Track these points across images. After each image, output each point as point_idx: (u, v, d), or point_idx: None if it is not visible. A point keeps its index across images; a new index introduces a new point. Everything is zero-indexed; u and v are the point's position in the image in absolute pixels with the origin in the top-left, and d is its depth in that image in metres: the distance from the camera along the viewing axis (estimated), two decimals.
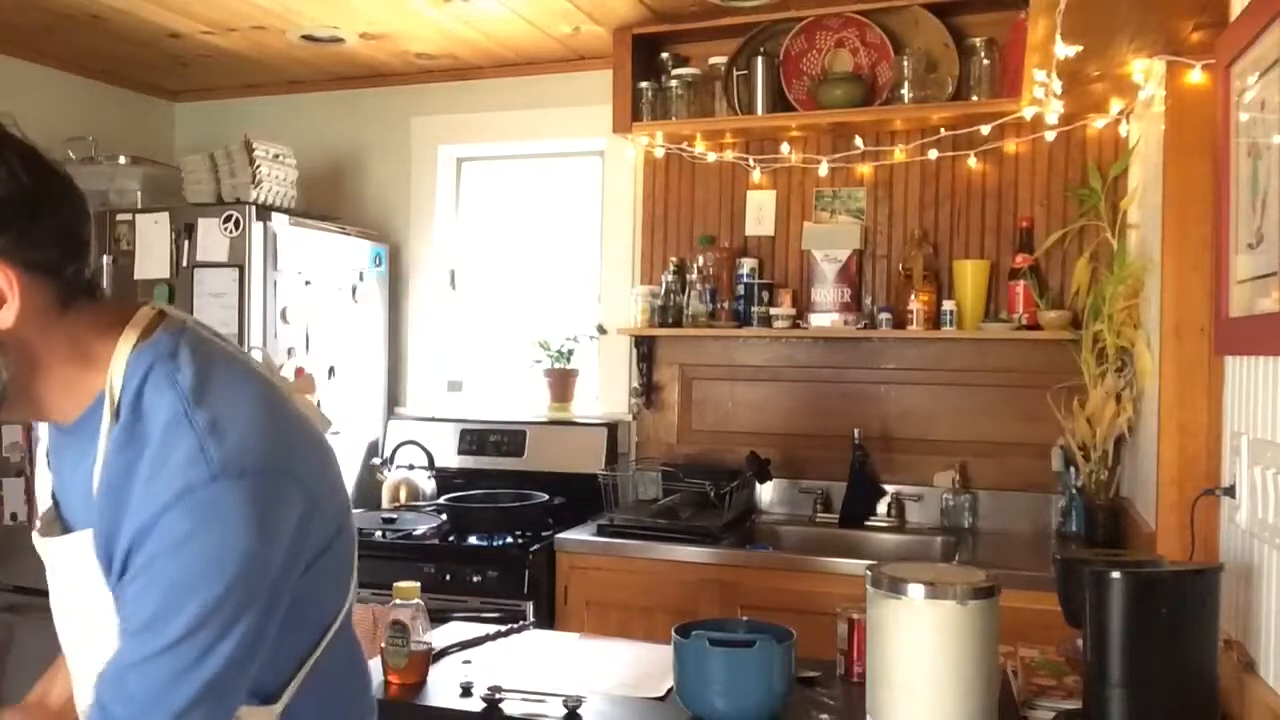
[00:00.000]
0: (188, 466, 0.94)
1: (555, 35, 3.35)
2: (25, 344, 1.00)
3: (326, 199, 3.81)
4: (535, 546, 2.91)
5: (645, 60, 3.32)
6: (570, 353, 3.60)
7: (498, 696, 1.68)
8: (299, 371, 3.30)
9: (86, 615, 1.04)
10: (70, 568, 1.05)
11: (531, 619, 2.72)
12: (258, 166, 3.25)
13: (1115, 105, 2.80)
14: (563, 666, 1.89)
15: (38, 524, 1.14)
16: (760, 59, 3.18)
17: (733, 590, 2.74)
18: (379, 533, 3.06)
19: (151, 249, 3.25)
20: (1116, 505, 2.78)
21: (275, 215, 3.24)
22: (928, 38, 3.09)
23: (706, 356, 3.44)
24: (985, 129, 2.97)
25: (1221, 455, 1.65)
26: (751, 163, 3.31)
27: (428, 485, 3.47)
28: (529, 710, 1.65)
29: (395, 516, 3.22)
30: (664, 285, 3.36)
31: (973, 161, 3.12)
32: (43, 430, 1.22)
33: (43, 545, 1.11)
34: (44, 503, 1.16)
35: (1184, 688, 1.41)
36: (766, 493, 3.32)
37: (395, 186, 3.87)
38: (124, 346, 1.03)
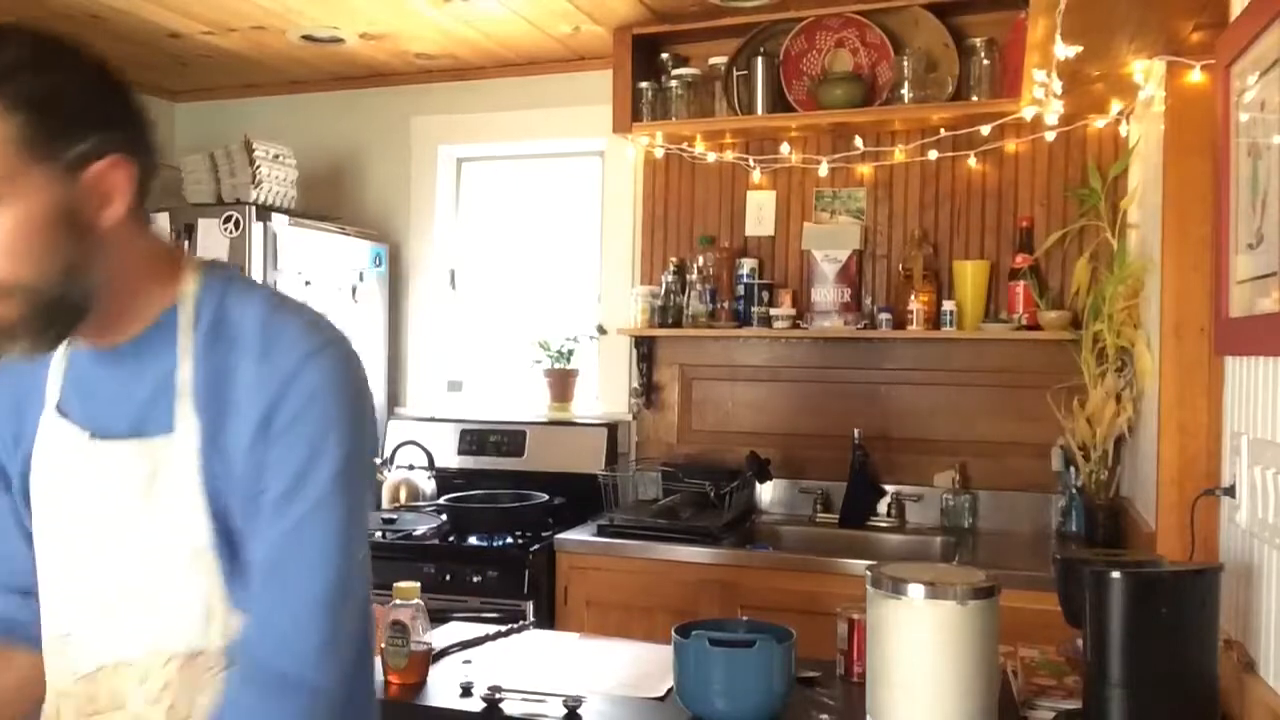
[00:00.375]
0: (301, 338, 1.03)
1: (555, 35, 3.35)
2: (117, 247, 1.01)
3: (326, 199, 3.81)
4: (535, 547, 2.91)
5: (645, 60, 3.32)
6: (570, 353, 3.60)
7: (498, 696, 1.68)
8: None
9: (130, 527, 1.03)
10: (135, 472, 1.03)
11: (531, 619, 2.72)
12: (258, 166, 3.25)
13: (1115, 105, 2.80)
14: (563, 666, 1.89)
15: (58, 442, 1.08)
16: (760, 59, 3.17)
17: (733, 590, 2.74)
18: (379, 533, 3.06)
19: None
20: (1116, 505, 2.78)
21: (275, 215, 3.24)
22: (928, 38, 3.09)
23: (706, 356, 3.44)
24: (985, 129, 2.97)
25: (1221, 455, 1.65)
26: (751, 163, 3.31)
27: (428, 485, 3.47)
28: (529, 710, 1.65)
29: (395, 517, 3.22)
30: (664, 285, 3.36)
31: (973, 161, 3.12)
32: None
33: (109, 449, 1.05)
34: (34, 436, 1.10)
35: (1184, 688, 1.41)
36: (766, 493, 3.32)
37: (395, 186, 3.87)
38: (195, 271, 1.09)
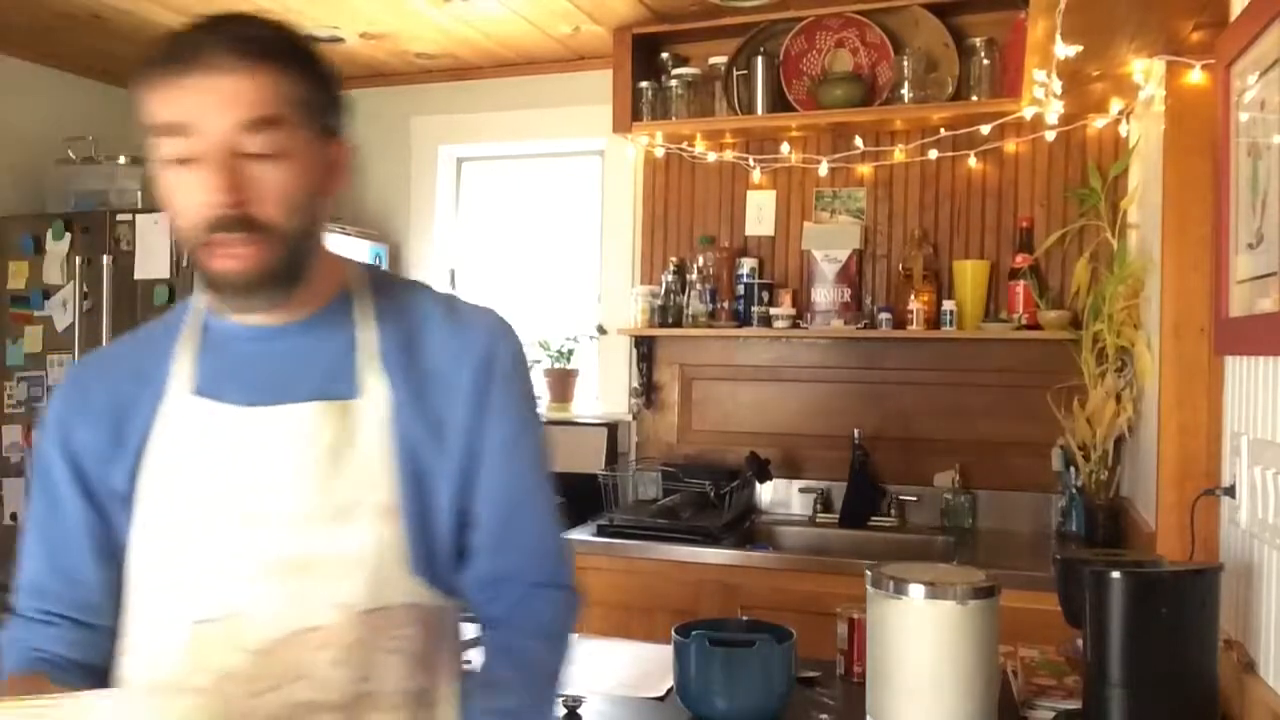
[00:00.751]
0: (485, 316, 1.17)
1: (555, 35, 3.35)
2: (324, 223, 1.11)
3: None
4: None
5: (645, 60, 3.32)
6: (570, 353, 3.60)
7: None
8: None
9: (312, 490, 1.05)
10: (318, 435, 1.06)
11: None
12: None
13: (1115, 105, 2.80)
14: None
15: (214, 411, 1.08)
16: (760, 59, 3.18)
17: (733, 590, 2.74)
18: None
19: (152, 249, 3.25)
20: (1116, 505, 2.78)
21: None
22: (928, 38, 3.09)
23: (706, 356, 3.44)
24: (985, 129, 2.97)
25: (1221, 455, 1.65)
26: (751, 163, 3.31)
27: None
28: None
29: None
30: (664, 285, 3.36)
31: (973, 161, 3.12)
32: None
33: (282, 414, 1.07)
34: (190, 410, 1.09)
35: (1184, 688, 1.41)
36: (766, 493, 3.32)
37: (395, 186, 3.87)
38: (347, 259, 1.18)
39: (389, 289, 1.16)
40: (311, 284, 1.09)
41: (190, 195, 1.00)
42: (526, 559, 1.16)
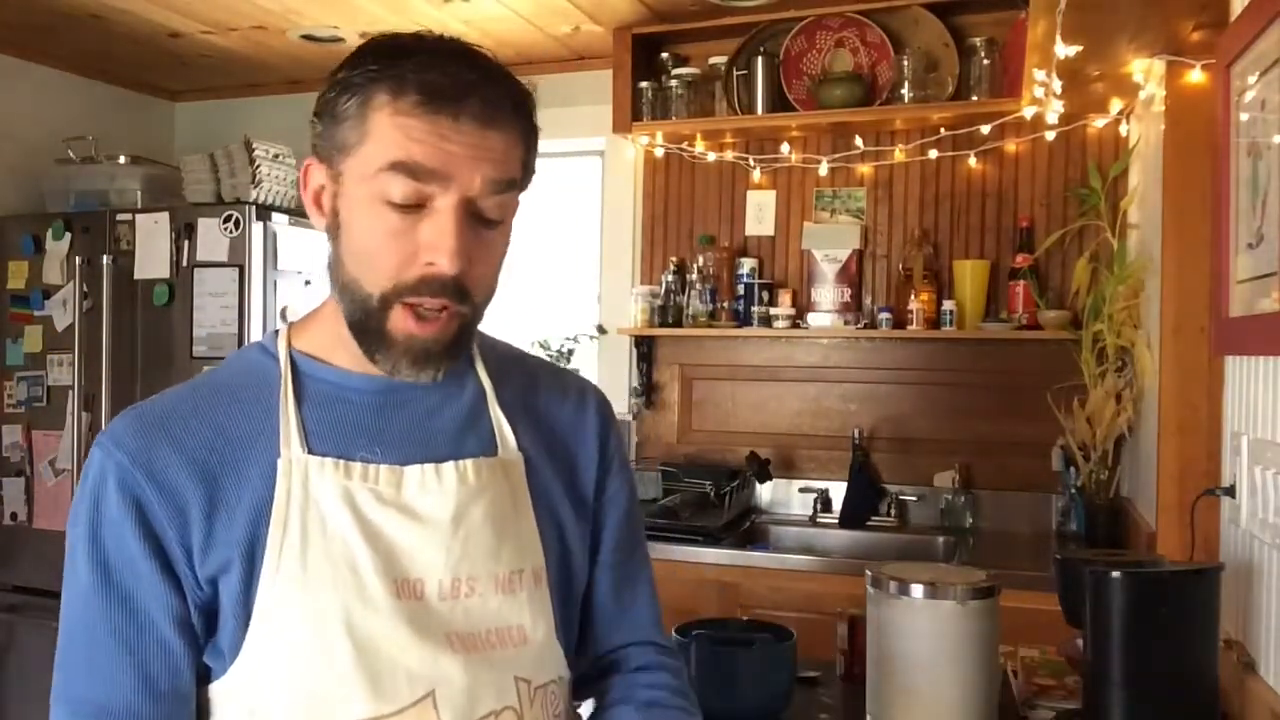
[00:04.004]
0: (576, 375, 1.19)
1: (555, 35, 3.35)
2: None
3: None
4: None
5: (645, 60, 3.32)
6: (570, 353, 3.59)
7: None
8: None
9: (498, 529, 0.97)
10: (489, 484, 0.98)
11: None
12: (258, 166, 3.25)
13: (1115, 105, 2.80)
14: None
15: (389, 475, 0.94)
16: (760, 59, 3.17)
17: (733, 590, 2.74)
18: None
19: (151, 249, 3.25)
20: (1116, 505, 2.78)
21: (275, 215, 3.24)
22: (928, 37, 3.09)
23: (706, 356, 3.44)
24: (985, 129, 2.97)
25: (1221, 455, 1.65)
26: (751, 163, 3.31)
27: None
28: None
29: None
30: (664, 285, 3.36)
31: (973, 161, 3.12)
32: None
33: (473, 466, 0.97)
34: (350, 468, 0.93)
35: (1184, 688, 1.41)
36: (766, 493, 3.32)
37: None
38: None
39: (487, 341, 1.09)
40: None
41: (407, 243, 0.89)
42: (647, 627, 1.12)
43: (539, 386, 1.09)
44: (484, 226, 0.92)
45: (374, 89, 0.88)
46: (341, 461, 0.93)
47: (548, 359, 1.16)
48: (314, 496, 0.91)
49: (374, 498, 0.92)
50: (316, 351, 0.99)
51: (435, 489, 0.94)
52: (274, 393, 0.95)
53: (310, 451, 0.93)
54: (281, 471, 0.91)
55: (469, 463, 0.97)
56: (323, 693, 0.88)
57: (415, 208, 0.88)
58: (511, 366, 1.09)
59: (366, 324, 0.92)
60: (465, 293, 0.91)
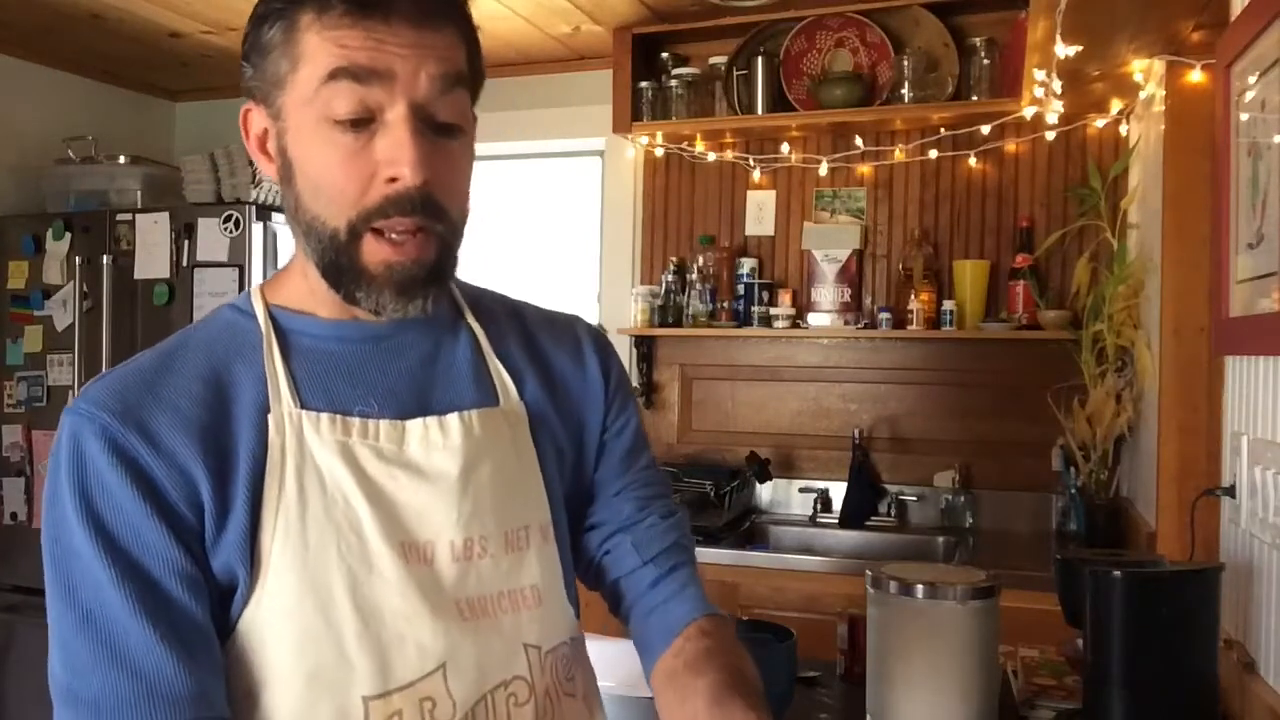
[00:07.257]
0: (568, 313, 1.10)
1: (555, 35, 3.35)
2: None
3: None
4: None
5: (645, 60, 3.32)
6: None
7: None
8: None
9: (506, 484, 0.92)
10: (494, 436, 0.92)
11: None
12: (257, 167, 3.25)
13: (1115, 105, 2.81)
14: None
15: (379, 426, 0.88)
16: (760, 59, 3.17)
17: (733, 590, 2.74)
18: None
19: (152, 249, 3.25)
20: (1116, 505, 2.78)
21: (275, 215, 3.24)
22: (928, 37, 3.09)
23: (706, 356, 3.44)
24: (985, 129, 2.97)
25: (1221, 455, 1.65)
26: (751, 163, 3.31)
27: None
28: None
29: None
30: (664, 285, 3.36)
31: (973, 161, 3.12)
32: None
33: (478, 418, 0.91)
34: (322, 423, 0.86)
35: (1184, 688, 1.41)
36: (766, 493, 3.32)
37: None
38: None
39: (473, 290, 1.04)
40: None
41: (364, 164, 0.83)
42: (689, 538, 1.12)
43: (535, 334, 1.03)
44: (442, 136, 0.86)
45: (296, 10, 0.83)
46: (338, 417, 0.86)
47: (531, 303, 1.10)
48: (310, 453, 0.84)
49: (375, 455, 0.86)
50: (294, 305, 0.92)
51: (440, 444, 0.88)
52: (256, 349, 0.88)
53: (303, 406, 0.86)
54: (274, 427, 0.84)
55: (474, 414, 0.91)
56: (326, 669, 0.81)
57: (365, 123, 0.82)
58: (501, 313, 1.03)
59: (339, 262, 0.85)
60: (438, 208, 0.85)
